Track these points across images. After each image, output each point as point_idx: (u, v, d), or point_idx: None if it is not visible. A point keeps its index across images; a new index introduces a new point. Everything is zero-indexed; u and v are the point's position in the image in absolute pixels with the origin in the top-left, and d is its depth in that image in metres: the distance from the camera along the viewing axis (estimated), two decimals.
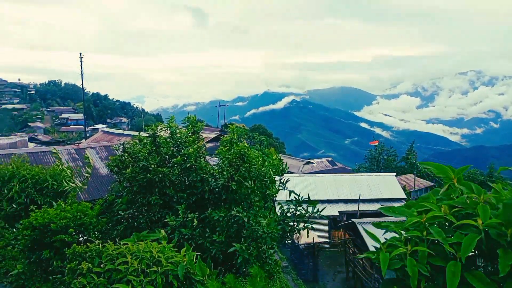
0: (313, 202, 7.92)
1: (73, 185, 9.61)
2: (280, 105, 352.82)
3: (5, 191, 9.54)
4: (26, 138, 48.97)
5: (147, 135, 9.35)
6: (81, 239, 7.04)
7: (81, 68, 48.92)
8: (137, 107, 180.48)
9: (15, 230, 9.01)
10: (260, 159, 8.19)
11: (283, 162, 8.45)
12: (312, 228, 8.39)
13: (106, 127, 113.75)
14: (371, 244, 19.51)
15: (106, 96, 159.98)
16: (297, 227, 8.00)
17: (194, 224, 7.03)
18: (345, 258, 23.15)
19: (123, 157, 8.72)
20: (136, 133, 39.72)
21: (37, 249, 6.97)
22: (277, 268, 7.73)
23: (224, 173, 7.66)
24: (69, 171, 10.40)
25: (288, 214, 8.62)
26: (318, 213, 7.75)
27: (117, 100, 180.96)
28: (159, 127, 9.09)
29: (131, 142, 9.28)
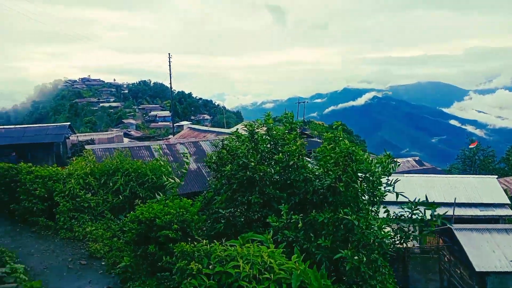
0: (432, 205, 6.97)
1: (171, 180, 9.73)
2: (360, 101, 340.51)
3: (110, 183, 9.99)
4: (122, 133, 53.12)
5: (243, 131, 9.11)
6: (183, 236, 6.97)
7: (170, 68, 51.56)
8: (218, 105, 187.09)
9: (119, 222, 9.37)
10: (369, 158, 7.45)
11: (391, 160, 7.57)
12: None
13: (191, 124, 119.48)
14: (471, 253, 17.51)
15: (190, 94, 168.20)
16: (413, 233, 7.12)
17: (299, 226, 6.55)
18: (439, 266, 21.22)
19: (221, 154, 8.57)
20: (219, 129, 40.47)
21: (143, 243, 7.04)
22: (392, 279, 6.94)
23: (330, 173, 7.07)
24: (168, 166, 10.60)
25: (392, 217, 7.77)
26: (439, 218, 6.79)
27: (200, 98, 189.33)
28: (256, 124, 8.77)
29: (229, 138, 9.11)
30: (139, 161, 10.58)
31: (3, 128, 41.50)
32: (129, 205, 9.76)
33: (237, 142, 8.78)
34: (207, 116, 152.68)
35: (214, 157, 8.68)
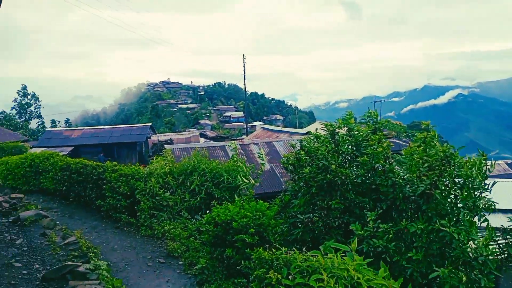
0: None
1: (246, 181, 9.55)
2: (443, 99, 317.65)
3: (187, 183, 10.10)
4: (198, 133, 55.24)
5: (323, 132, 8.60)
6: (259, 240, 6.69)
7: (244, 70, 52.36)
8: (290, 105, 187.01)
9: (195, 222, 9.41)
10: (467, 162, 6.52)
11: (486, 162, 6.56)
12: None
13: (263, 124, 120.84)
14: None
15: (262, 95, 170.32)
16: None
17: (389, 236, 5.89)
18: None
19: (299, 155, 8.14)
20: (292, 129, 39.82)
21: (219, 245, 6.90)
22: None
23: (424, 178, 6.28)
24: (245, 167, 10.46)
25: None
26: None
27: (272, 99, 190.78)
28: (337, 124, 8.20)
29: (307, 139, 8.65)
30: (215, 161, 10.58)
31: (94, 128, 45.29)
32: (205, 206, 9.77)
33: (316, 143, 8.28)
34: (279, 117, 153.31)
35: (291, 159, 8.28)
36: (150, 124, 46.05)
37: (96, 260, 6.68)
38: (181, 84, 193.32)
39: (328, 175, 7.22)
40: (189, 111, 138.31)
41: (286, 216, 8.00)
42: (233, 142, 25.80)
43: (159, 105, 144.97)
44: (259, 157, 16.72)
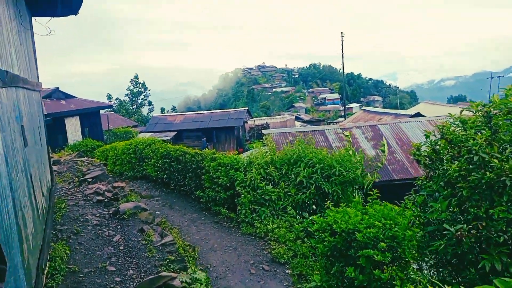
0: None
1: (366, 176, 7.97)
2: None
3: (292, 175, 8.84)
4: (294, 117, 54.09)
5: (467, 113, 6.58)
6: (390, 257, 5.14)
7: (342, 47, 49.33)
8: (389, 85, 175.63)
9: (302, 220, 8.16)
10: None
11: None
12: None
13: (360, 106, 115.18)
14: None
15: (359, 75, 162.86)
16: None
17: None
18: None
19: (437, 145, 6.29)
20: (397, 111, 35.80)
21: (337, 259, 5.53)
22: None
23: None
24: (359, 157, 8.85)
25: None
26: None
27: (370, 79, 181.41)
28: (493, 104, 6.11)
29: (446, 124, 6.71)
30: (324, 149, 9.12)
31: (194, 114, 46.94)
32: (314, 202, 8.45)
33: (461, 130, 6.32)
34: (377, 98, 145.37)
35: (427, 149, 6.45)
36: (247, 108, 46.15)
37: (193, 268, 5.82)
38: (276, 67, 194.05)
39: (487, 173, 5.31)
40: (283, 95, 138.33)
41: (420, 222, 6.27)
42: (331, 127, 23.91)
43: (254, 89, 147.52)
44: (380, 146, 14.75)
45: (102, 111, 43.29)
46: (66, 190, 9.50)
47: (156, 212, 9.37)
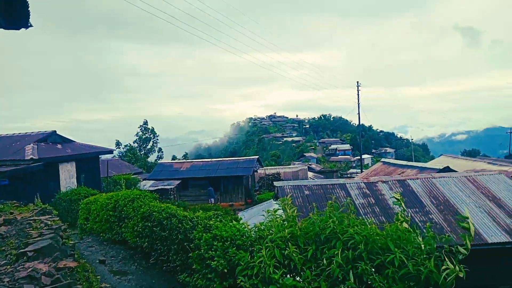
0: None
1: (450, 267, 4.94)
2: None
3: (323, 260, 5.78)
4: (306, 167, 50.99)
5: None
6: None
7: (358, 96, 47.34)
8: (400, 137, 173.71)
9: None
10: None
11: None
12: None
13: (372, 157, 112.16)
14: None
15: (370, 127, 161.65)
16: None
17: None
18: None
19: None
20: (420, 164, 32.14)
21: None
22: None
23: None
24: (417, 236, 5.81)
25: None
26: None
27: (381, 131, 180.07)
28: None
29: None
30: (371, 224, 6.06)
31: (202, 161, 44.49)
32: None
33: None
34: (389, 149, 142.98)
35: None
36: (257, 157, 43.60)
37: None
38: (287, 117, 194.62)
39: None
40: (294, 144, 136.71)
41: None
42: (353, 180, 20.78)
43: (265, 138, 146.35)
44: (394, 203, 11.61)
45: (105, 157, 41.12)
46: None
47: None
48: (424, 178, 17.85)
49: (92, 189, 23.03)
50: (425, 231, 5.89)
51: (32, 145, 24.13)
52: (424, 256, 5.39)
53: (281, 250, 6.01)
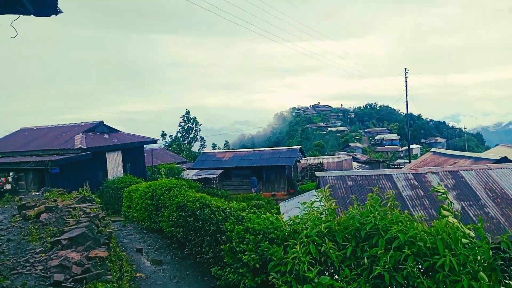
0: None
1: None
2: None
3: (364, 259, 5.25)
4: (351, 157, 49.54)
5: None
6: None
7: (406, 84, 44.97)
8: (452, 126, 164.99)
9: None
10: None
11: None
12: None
13: (421, 147, 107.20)
14: None
15: (419, 116, 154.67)
16: None
17: None
18: None
19: None
20: (475, 154, 30.03)
21: None
22: None
23: None
24: (470, 233, 5.10)
25: None
26: None
27: (431, 120, 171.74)
28: None
29: None
30: (417, 224, 5.35)
31: (244, 151, 44.49)
32: None
33: None
34: (440, 139, 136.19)
35: None
36: (300, 147, 42.88)
37: None
38: (331, 107, 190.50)
39: None
40: (338, 134, 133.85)
41: None
42: (401, 171, 19.68)
43: (308, 128, 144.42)
44: (439, 197, 10.66)
45: (150, 146, 42.19)
46: (30, 257, 6.68)
47: None
48: (479, 169, 16.54)
49: (137, 177, 23.59)
50: (479, 224, 5.12)
51: (81, 135, 25.06)
52: (481, 262, 4.71)
53: (317, 246, 5.53)
